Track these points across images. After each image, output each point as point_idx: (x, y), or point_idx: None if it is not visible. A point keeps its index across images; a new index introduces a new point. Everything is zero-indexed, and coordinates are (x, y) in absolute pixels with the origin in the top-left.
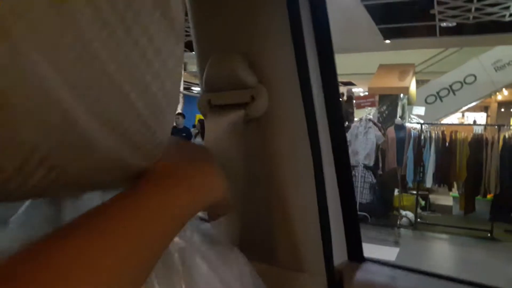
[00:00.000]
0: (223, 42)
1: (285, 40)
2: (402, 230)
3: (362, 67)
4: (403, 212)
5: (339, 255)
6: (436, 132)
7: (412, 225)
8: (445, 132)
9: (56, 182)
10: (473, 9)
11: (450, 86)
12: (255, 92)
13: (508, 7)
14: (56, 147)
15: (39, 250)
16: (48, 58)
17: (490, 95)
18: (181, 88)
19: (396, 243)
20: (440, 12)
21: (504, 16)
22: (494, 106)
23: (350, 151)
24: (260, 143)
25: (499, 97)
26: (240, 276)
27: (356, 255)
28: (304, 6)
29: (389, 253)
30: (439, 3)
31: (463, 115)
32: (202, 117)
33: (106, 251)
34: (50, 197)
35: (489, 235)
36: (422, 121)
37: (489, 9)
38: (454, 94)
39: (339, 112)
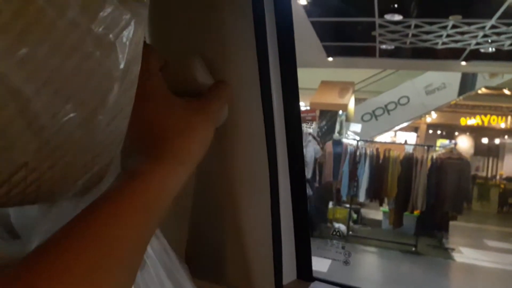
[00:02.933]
0: (180, 45)
1: (248, 47)
2: (334, 241)
3: (305, 82)
4: (336, 225)
5: (288, 273)
6: (371, 149)
7: (344, 238)
8: (379, 150)
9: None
10: (410, 35)
11: (385, 105)
12: None
13: (441, 36)
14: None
15: (39, 255)
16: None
17: (420, 117)
18: None
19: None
20: (380, 35)
21: (437, 43)
22: (423, 127)
23: None
24: (216, 153)
25: (428, 119)
26: None
27: (305, 274)
28: (269, 12)
29: (321, 264)
30: (380, 26)
31: (395, 134)
32: None
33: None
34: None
35: (413, 249)
36: (358, 138)
37: (424, 36)
38: (389, 113)
39: (298, 127)
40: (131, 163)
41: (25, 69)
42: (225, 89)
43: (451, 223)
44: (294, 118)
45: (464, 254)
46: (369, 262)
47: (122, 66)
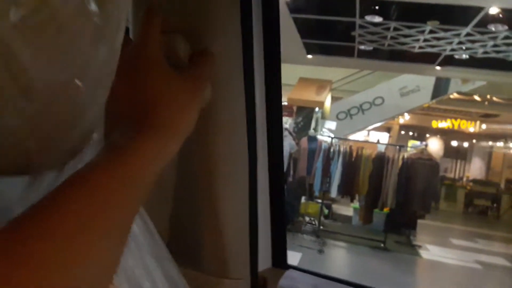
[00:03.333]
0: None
1: (233, 31)
2: (305, 235)
3: (283, 77)
4: (308, 219)
5: (264, 261)
6: (344, 146)
7: (315, 232)
8: (352, 147)
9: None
10: (389, 37)
11: (361, 105)
12: None
13: (418, 40)
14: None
15: (21, 220)
16: None
17: (394, 118)
18: None
19: (300, 248)
20: (360, 35)
21: (414, 47)
22: (396, 128)
23: None
24: (195, 139)
25: (401, 120)
26: (169, 277)
27: (280, 262)
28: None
29: (292, 258)
30: (360, 27)
31: (368, 134)
32: None
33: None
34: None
35: (382, 245)
36: (332, 135)
37: (402, 39)
38: (363, 113)
39: (279, 119)
40: (119, 133)
41: (22, 33)
42: (209, 65)
43: (419, 221)
44: (275, 111)
45: (430, 251)
46: (339, 256)
47: (105, 31)
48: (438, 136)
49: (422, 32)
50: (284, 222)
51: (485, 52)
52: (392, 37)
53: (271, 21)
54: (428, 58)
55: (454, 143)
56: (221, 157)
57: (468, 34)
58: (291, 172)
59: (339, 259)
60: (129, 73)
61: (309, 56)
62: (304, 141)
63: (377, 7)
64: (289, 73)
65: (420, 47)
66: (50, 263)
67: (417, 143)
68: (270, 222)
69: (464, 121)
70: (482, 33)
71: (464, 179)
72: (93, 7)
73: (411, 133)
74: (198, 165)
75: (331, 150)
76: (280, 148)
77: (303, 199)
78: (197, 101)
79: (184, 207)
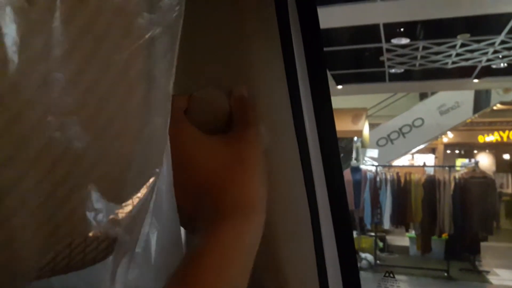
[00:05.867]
0: (207, 75)
1: (277, 74)
2: (362, 272)
3: None
4: (363, 255)
5: None
6: (390, 173)
7: (372, 267)
8: (399, 174)
9: None
10: (419, 57)
11: (400, 129)
12: None
13: (450, 55)
14: None
15: None
16: None
17: (437, 138)
18: None
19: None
20: (388, 59)
21: (447, 63)
22: (440, 148)
23: None
24: None
25: (445, 139)
26: None
27: None
28: (297, 40)
29: None
30: (388, 51)
31: (412, 157)
32: None
33: None
34: None
35: (445, 274)
36: (376, 163)
37: (433, 57)
38: (404, 136)
39: (335, 152)
40: (196, 233)
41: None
42: (252, 107)
43: (482, 244)
44: (331, 146)
45: (501, 276)
46: None
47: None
48: (487, 150)
49: (453, 47)
50: (355, 265)
51: None
52: (422, 57)
53: (314, 53)
54: (464, 72)
55: (506, 156)
56: (281, 211)
57: (502, 42)
58: None
59: None
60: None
61: (339, 87)
62: (347, 173)
63: (402, 29)
64: None
65: (454, 62)
66: None
67: (466, 161)
68: (339, 263)
69: None
70: None
71: None
72: None
73: (457, 151)
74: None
75: (377, 179)
76: (341, 182)
77: (354, 234)
78: (257, 151)
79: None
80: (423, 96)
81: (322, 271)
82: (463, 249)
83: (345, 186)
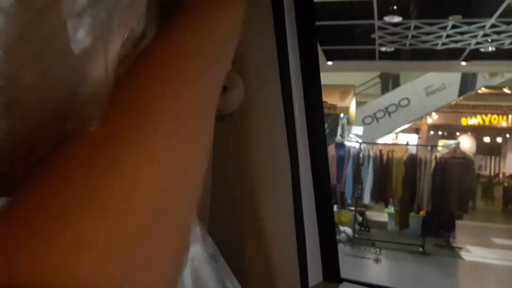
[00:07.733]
0: None
1: (265, 23)
2: (341, 245)
3: None
4: (342, 228)
5: (315, 276)
6: (373, 151)
7: (350, 241)
8: (382, 151)
9: None
10: (409, 36)
11: (386, 108)
12: (228, 81)
13: (440, 37)
14: None
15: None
16: None
17: (421, 118)
18: None
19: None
20: (380, 37)
21: (436, 44)
22: (424, 128)
23: None
24: (232, 146)
25: (429, 120)
26: None
27: (332, 275)
28: (289, 11)
29: None
30: (379, 28)
31: (396, 136)
32: None
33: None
34: None
35: (421, 249)
36: (360, 140)
37: (424, 37)
38: (390, 116)
39: (321, 125)
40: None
41: None
42: None
43: (458, 222)
44: (317, 117)
45: (472, 253)
46: (377, 264)
47: None
48: (469, 133)
49: (445, 28)
50: (333, 232)
51: None
52: (413, 36)
53: (306, 25)
54: (452, 54)
55: (487, 139)
56: (262, 170)
57: (493, 26)
58: None
59: (377, 266)
60: None
61: (329, 63)
62: (331, 148)
63: (395, 7)
64: None
65: (444, 44)
66: None
67: (449, 142)
68: (318, 234)
69: (495, 116)
70: (508, 23)
71: (501, 175)
72: None
73: (440, 133)
74: (240, 180)
75: (360, 155)
76: (324, 156)
77: (335, 208)
78: None
79: (227, 224)
80: (395, 84)
81: (301, 240)
82: (439, 226)
83: (328, 161)
